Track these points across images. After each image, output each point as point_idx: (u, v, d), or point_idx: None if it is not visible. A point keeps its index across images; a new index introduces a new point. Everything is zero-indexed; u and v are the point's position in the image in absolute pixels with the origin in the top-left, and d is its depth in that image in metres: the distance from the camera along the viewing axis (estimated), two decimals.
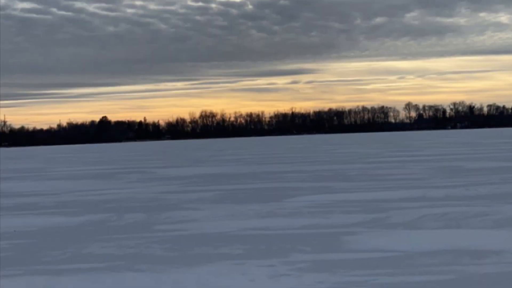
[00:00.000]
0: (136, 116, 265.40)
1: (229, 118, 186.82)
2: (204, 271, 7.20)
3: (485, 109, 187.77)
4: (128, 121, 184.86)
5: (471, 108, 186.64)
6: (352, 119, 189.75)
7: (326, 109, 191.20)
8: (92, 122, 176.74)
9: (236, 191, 16.46)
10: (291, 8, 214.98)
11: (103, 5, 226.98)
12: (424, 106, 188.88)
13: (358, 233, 9.30)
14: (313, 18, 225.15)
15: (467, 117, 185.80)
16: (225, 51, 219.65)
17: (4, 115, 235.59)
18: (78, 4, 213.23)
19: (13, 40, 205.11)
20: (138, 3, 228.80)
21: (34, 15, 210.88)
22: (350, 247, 8.36)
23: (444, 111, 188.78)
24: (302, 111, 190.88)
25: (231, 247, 8.54)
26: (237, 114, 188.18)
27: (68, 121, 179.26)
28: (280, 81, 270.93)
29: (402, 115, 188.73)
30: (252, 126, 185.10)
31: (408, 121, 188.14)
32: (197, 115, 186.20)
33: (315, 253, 7.98)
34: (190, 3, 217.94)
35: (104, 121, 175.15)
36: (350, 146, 53.40)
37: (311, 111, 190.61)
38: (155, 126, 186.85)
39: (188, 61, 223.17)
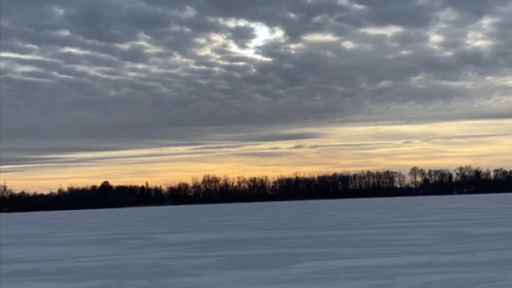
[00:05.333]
0: (138, 181, 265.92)
1: (232, 183, 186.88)
2: None
3: (492, 174, 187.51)
4: (129, 186, 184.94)
5: (477, 173, 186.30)
6: (357, 184, 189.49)
7: (330, 173, 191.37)
8: (94, 187, 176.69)
9: (239, 257, 16.24)
10: (295, 72, 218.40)
11: (105, 68, 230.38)
12: (430, 171, 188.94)
13: None
14: (317, 81, 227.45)
15: (474, 182, 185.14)
16: (228, 115, 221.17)
17: (4, 180, 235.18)
18: (79, 68, 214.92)
19: (13, 104, 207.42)
20: (140, 66, 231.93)
21: (35, 79, 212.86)
22: None
23: (450, 176, 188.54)
24: (306, 176, 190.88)
25: None
26: (241, 179, 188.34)
27: (69, 186, 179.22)
28: (284, 145, 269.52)
29: (408, 180, 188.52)
30: (255, 191, 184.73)
31: (413, 186, 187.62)
32: (200, 180, 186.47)
33: None
34: (192, 66, 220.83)
35: (105, 186, 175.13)
36: (355, 211, 53.02)
37: (316, 176, 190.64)
38: (157, 191, 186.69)
39: (190, 125, 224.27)
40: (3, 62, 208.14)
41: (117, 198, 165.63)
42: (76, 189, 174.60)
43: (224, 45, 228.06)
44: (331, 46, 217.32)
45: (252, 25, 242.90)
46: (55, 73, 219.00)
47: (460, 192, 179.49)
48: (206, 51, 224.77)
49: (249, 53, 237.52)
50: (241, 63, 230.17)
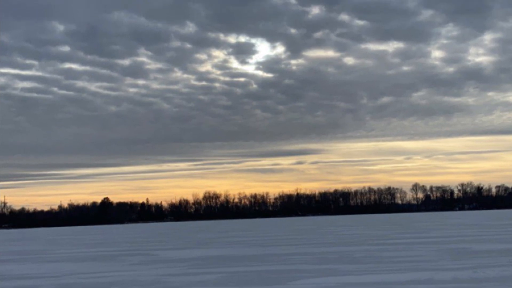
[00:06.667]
0: (139, 197, 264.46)
1: (233, 199, 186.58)
2: None
3: (494, 190, 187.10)
4: (130, 202, 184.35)
5: (479, 189, 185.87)
6: (358, 200, 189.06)
7: (331, 190, 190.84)
8: (94, 203, 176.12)
9: (240, 273, 16.17)
10: (296, 88, 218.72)
11: (105, 84, 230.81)
12: (431, 187, 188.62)
13: None
14: (319, 97, 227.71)
15: (475, 198, 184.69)
16: (229, 131, 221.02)
17: (4, 196, 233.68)
18: (80, 84, 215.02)
19: (13, 120, 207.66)
20: (140, 82, 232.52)
21: (35, 95, 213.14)
22: None
23: (452, 192, 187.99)
24: (307, 192, 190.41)
25: None
26: (241, 195, 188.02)
27: (69, 202, 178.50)
28: (285, 161, 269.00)
29: (409, 196, 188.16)
30: (256, 208, 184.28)
31: (415, 202, 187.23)
32: (201, 196, 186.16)
33: None
34: (193, 82, 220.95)
35: (106, 202, 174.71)
36: (356, 228, 52.84)
37: (317, 192, 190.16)
38: (158, 207, 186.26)
39: (191, 141, 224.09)
40: (3, 78, 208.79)
41: (118, 214, 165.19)
42: (76, 206, 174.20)
43: (225, 61, 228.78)
44: (332, 61, 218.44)
45: (253, 40, 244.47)
46: (55, 89, 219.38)
47: (462, 209, 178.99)
48: (207, 67, 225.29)
49: (250, 69, 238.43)
50: (242, 79, 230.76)
